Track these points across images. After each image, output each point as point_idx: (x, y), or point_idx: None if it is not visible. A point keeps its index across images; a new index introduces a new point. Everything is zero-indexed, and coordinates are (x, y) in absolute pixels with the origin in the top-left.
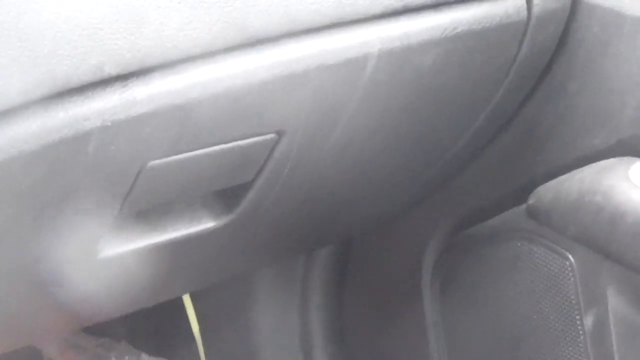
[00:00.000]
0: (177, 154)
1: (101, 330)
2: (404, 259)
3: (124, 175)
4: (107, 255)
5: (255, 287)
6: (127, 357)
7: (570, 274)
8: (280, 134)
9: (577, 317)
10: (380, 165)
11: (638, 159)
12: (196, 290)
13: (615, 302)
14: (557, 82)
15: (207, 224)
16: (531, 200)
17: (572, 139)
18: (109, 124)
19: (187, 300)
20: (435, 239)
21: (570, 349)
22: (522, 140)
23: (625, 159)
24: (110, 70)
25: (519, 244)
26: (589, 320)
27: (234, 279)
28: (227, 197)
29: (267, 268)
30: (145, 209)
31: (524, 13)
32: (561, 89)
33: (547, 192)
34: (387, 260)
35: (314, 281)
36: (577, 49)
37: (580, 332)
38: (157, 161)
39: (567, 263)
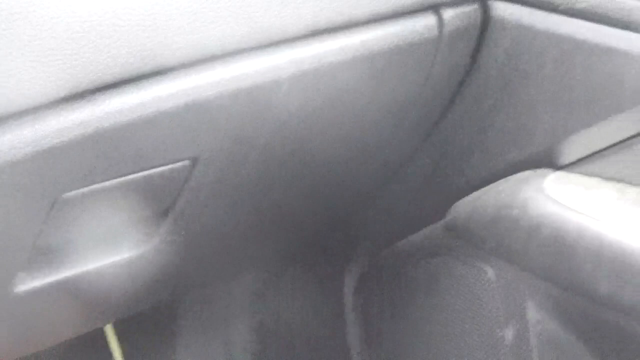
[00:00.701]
0: (91, 184)
1: None
2: (327, 280)
3: (37, 208)
4: (23, 290)
5: (178, 314)
6: None
7: (490, 287)
8: (194, 161)
9: (498, 331)
10: (298, 189)
11: (552, 170)
12: (119, 319)
13: (534, 315)
14: (471, 98)
15: (125, 254)
16: (449, 216)
17: (488, 154)
18: (20, 158)
19: (109, 330)
20: (357, 258)
21: None
22: (440, 156)
23: (540, 171)
24: (19, 104)
25: (438, 260)
26: (509, 334)
27: (157, 307)
28: (145, 225)
29: (190, 296)
30: (61, 241)
31: (435, 31)
32: (476, 105)
33: (465, 207)
34: (310, 282)
35: (237, 308)
36: (489, 65)
37: (502, 346)
38: (71, 193)
39: (487, 277)
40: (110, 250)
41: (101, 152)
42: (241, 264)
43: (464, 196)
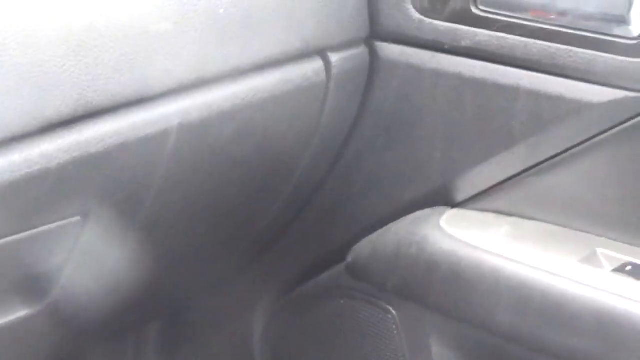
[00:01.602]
0: None
1: None
2: (234, 325)
3: None
4: None
5: None
6: None
7: (394, 327)
8: (85, 216)
9: None
10: (196, 236)
11: (449, 207)
12: None
13: (439, 351)
14: (365, 139)
15: (20, 312)
16: (350, 258)
17: (385, 194)
18: None
19: None
20: (263, 303)
21: None
22: (338, 198)
23: (437, 208)
24: None
25: (342, 302)
26: None
27: None
28: (39, 283)
29: (96, 350)
30: None
31: (323, 75)
32: (370, 145)
33: (365, 247)
34: (217, 329)
35: (145, 352)
36: (381, 106)
37: None
38: None
39: (390, 317)
40: (5, 309)
41: None
42: (143, 314)
43: (363, 237)
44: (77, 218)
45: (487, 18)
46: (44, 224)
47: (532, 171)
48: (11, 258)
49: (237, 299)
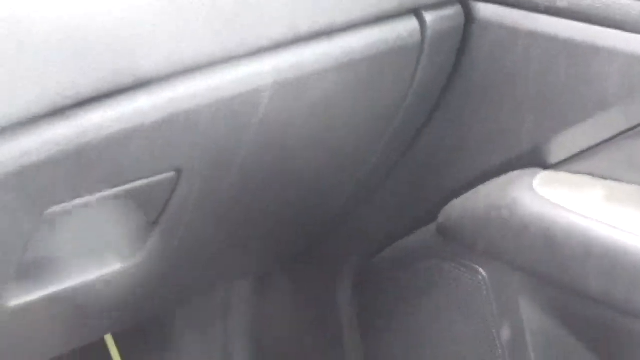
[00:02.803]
0: (75, 199)
1: None
2: (321, 287)
3: (23, 224)
4: (14, 305)
5: (177, 323)
6: None
7: (483, 288)
8: (179, 172)
9: (494, 331)
10: (285, 198)
11: (541, 169)
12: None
13: (528, 313)
14: (456, 100)
15: (114, 267)
16: (440, 219)
17: (476, 155)
18: (1, 175)
19: (109, 339)
20: (350, 265)
21: None
22: (427, 160)
23: (529, 170)
24: None
25: (431, 262)
26: (505, 333)
27: (155, 317)
28: (132, 238)
29: (185, 306)
30: (49, 256)
31: (418, 35)
32: (461, 107)
33: (455, 209)
34: (304, 290)
35: (233, 315)
36: (473, 67)
37: (498, 346)
38: (56, 207)
39: (479, 277)
40: (99, 263)
41: (84, 167)
42: (231, 271)
43: (453, 198)
44: (172, 174)
45: None
46: (138, 179)
47: (627, 134)
48: (107, 213)
49: (324, 261)
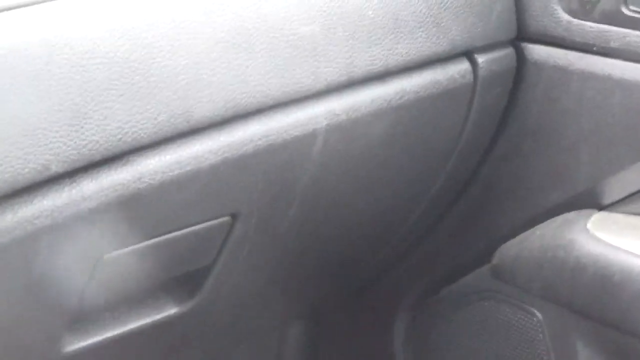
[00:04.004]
0: (132, 245)
1: None
2: (376, 328)
3: (80, 270)
4: (71, 350)
5: None
6: None
7: (539, 330)
8: (234, 216)
9: None
10: (341, 238)
11: (596, 210)
12: None
13: (586, 356)
14: (510, 141)
15: (170, 311)
16: (495, 260)
17: (530, 196)
18: (60, 221)
19: None
20: (405, 305)
21: None
22: (482, 200)
23: (584, 211)
24: (57, 168)
25: (486, 304)
26: None
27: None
28: (188, 282)
29: (240, 348)
30: (105, 301)
31: (470, 76)
32: (515, 148)
33: (510, 250)
34: (359, 331)
35: (288, 357)
36: (527, 108)
37: None
38: (113, 253)
39: (535, 320)
40: (156, 308)
41: (141, 212)
42: (286, 313)
43: (508, 239)
44: (227, 218)
45: (638, 18)
46: (194, 224)
47: None
48: (163, 257)
49: (379, 301)
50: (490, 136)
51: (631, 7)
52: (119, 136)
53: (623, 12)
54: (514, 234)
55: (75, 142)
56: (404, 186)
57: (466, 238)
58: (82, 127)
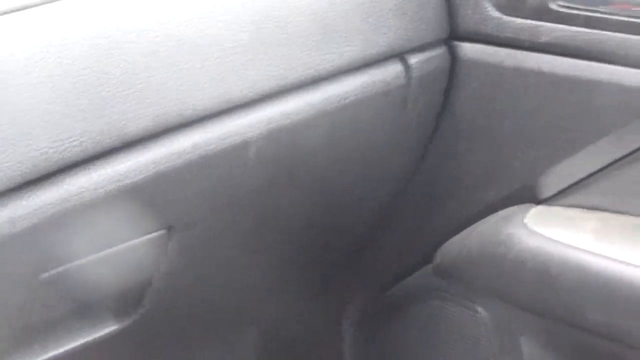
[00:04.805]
0: (68, 262)
1: None
2: (324, 330)
3: (16, 289)
4: None
5: None
6: None
7: (483, 326)
8: (171, 229)
9: None
10: (286, 244)
11: (533, 205)
12: None
13: (529, 350)
14: (447, 140)
15: (110, 327)
16: (437, 259)
17: (468, 194)
18: None
19: None
20: (353, 307)
21: None
22: (422, 200)
23: (522, 206)
24: None
25: (432, 303)
26: None
27: None
28: (128, 297)
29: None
30: (45, 320)
31: (403, 78)
32: (452, 146)
33: (451, 248)
34: (308, 334)
35: None
36: (462, 106)
37: None
38: (50, 272)
39: (479, 316)
40: (96, 325)
41: (74, 231)
42: (234, 322)
43: (450, 238)
44: (164, 231)
45: (566, 13)
46: (130, 239)
47: (617, 165)
48: (100, 273)
49: (327, 304)
50: (427, 135)
51: (559, 2)
52: (47, 156)
53: (551, 7)
54: (455, 232)
55: (2, 165)
56: (344, 190)
57: (410, 238)
58: (5, 150)
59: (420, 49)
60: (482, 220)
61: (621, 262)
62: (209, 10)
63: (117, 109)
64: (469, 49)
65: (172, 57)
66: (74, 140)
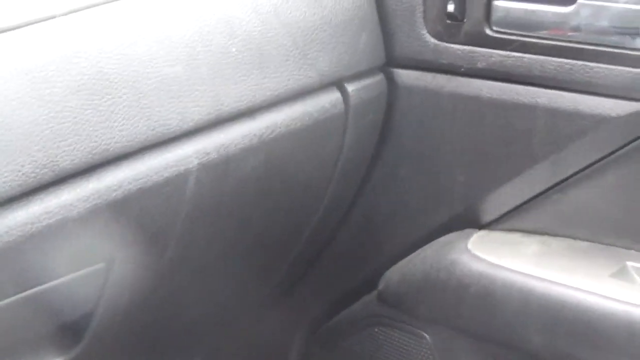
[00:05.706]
0: (4, 299)
1: None
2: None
3: None
4: None
5: None
6: None
7: (428, 352)
8: (110, 262)
9: None
10: (224, 273)
11: (476, 229)
12: None
13: None
14: (388, 167)
15: None
16: (381, 285)
17: (412, 219)
18: None
19: None
20: (298, 336)
21: None
22: (364, 227)
23: (465, 231)
24: None
25: (376, 330)
26: None
27: None
28: (71, 330)
29: None
30: None
31: (341, 106)
32: (393, 173)
33: (394, 275)
34: None
35: None
36: (402, 133)
37: None
38: None
39: (424, 342)
40: (38, 359)
41: (12, 265)
42: (179, 351)
43: (393, 264)
44: (102, 265)
45: (501, 39)
46: (68, 273)
47: (556, 188)
48: (40, 308)
49: (270, 335)
50: (367, 162)
51: (494, 28)
52: None
53: (487, 33)
54: (398, 258)
55: None
56: (283, 218)
57: (353, 265)
58: None
59: (358, 76)
60: (426, 246)
61: (564, 285)
62: (141, 43)
63: (52, 144)
64: (406, 76)
65: (102, 92)
66: (11, 174)
